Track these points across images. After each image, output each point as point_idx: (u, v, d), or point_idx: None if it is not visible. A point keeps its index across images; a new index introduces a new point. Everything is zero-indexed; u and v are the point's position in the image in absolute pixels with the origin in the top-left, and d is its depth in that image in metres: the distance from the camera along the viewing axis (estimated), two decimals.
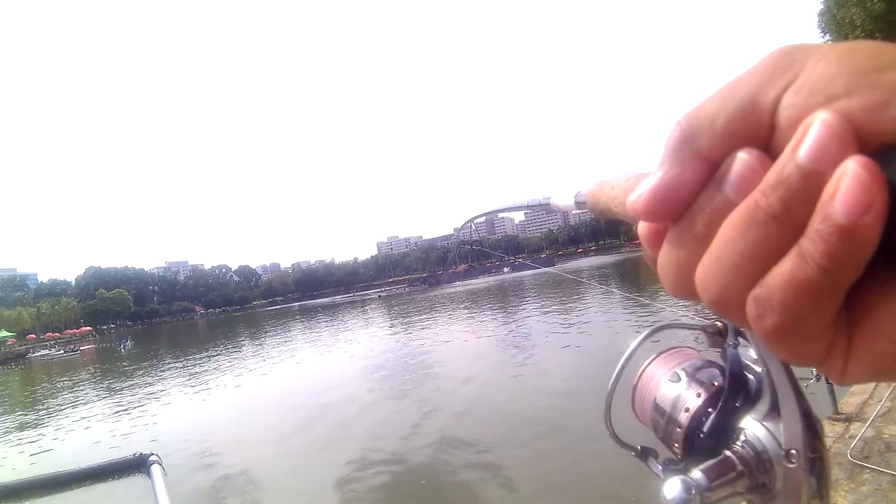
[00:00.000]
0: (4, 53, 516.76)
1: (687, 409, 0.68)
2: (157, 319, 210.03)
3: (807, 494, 0.53)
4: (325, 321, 58.79)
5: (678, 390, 0.71)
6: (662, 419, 0.71)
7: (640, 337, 0.79)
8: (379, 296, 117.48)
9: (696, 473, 0.57)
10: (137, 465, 3.62)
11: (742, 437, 0.59)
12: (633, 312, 23.41)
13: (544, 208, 0.79)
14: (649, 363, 0.78)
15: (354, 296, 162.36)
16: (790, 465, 0.54)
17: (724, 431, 0.62)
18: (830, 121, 0.28)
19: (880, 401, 6.22)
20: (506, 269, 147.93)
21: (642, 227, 0.41)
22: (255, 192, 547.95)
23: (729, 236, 0.32)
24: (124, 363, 44.68)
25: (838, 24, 43.08)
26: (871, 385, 6.71)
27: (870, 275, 0.29)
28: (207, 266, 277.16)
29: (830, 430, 5.74)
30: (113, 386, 28.90)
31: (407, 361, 21.18)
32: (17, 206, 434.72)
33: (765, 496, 0.57)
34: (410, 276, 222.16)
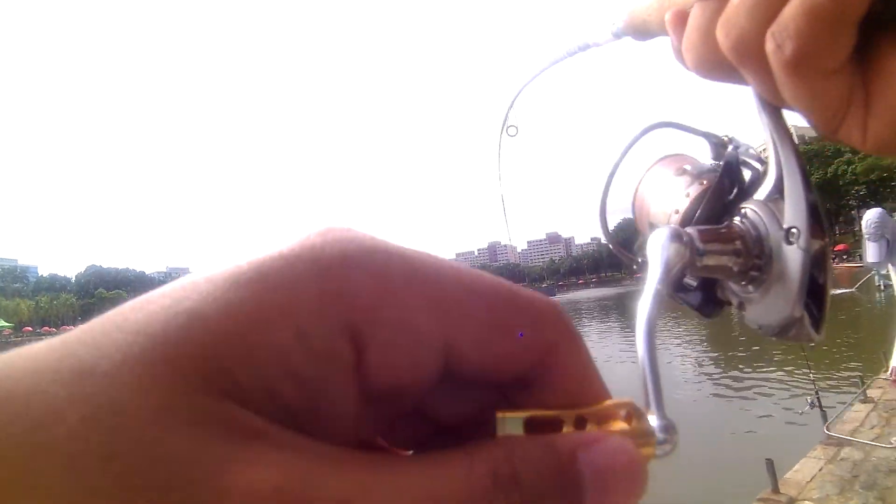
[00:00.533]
0: (14, 49, 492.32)
1: (688, 195, 0.64)
2: None
3: (801, 289, 0.49)
4: None
5: (681, 184, 0.66)
6: (666, 212, 0.67)
7: (639, 132, 0.73)
8: None
9: (691, 229, 0.52)
10: None
11: (744, 212, 0.56)
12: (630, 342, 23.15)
13: (584, 51, 0.75)
14: (652, 165, 0.74)
15: None
16: (789, 245, 0.50)
17: (725, 213, 0.59)
18: None
19: (872, 427, 6.46)
20: None
21: (669, 16, 0.46)
22: (264, 202, 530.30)
23: None
24: None
25: None
26: (863, 413, 6.95)
27: (882, 34, 0.32)
28: None
29: (823, 453, 5.97)
30: None
31: None
32: (21, 197, 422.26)
33: (757, 284, 0.54)
34: None
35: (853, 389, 8.01)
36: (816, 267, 0.49)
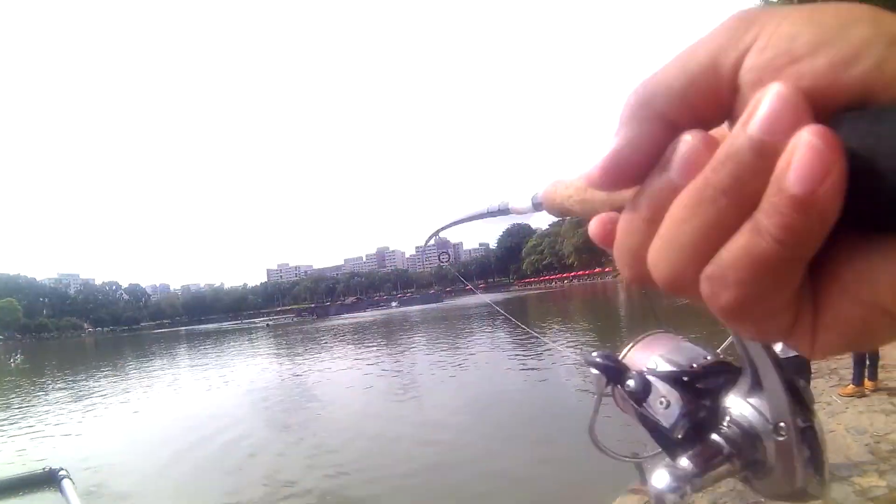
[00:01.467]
0: None
1: (662, 402, 0.65)
2: (46, 334, 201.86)
3: (801, 466, 0.52)
4: (211, 349, 57.11)
5: (655, 381, 0.67)
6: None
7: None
8: (267, 324, 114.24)
9: (683, 461, 0.55)
10: (47, 480, 3.45)
11: (728, 417, 0.57)
12: (521, 346, 23.39)
13: (503, 214, 0.80)
14: (627, 352, 0.75)
15: (242, 323, 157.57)
16: (780, 439, 0.52)
17: (709, 416, 0.60)
18: (783, 91, 0.27)
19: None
20: (393, 304, 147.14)
21: (593, 226, 0.41)
22: (148, 205, 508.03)
23: (679, 215, 0.31)
24: (13, 377, 42.46)
25: None
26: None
27: (832, 239, 0.28)
28: (98, 281, 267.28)
29: None
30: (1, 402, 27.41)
31: (289, 394, 20.84)
32: None
33: (760, 472, 0.56)
34: (299, 306, 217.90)
35: None
36: (809, 446, 0.53)
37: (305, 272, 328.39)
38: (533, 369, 17.72)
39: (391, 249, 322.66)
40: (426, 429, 12.42)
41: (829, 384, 8.49)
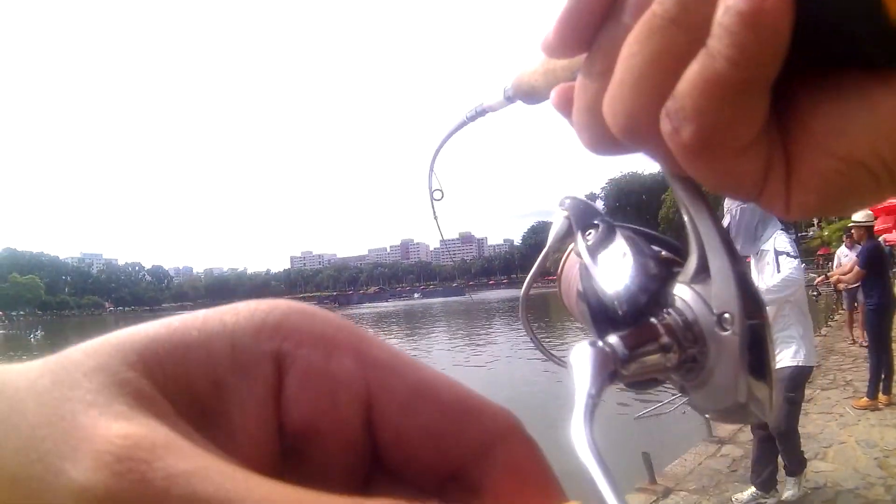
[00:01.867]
0: None
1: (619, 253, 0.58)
2: (67, 312, 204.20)
3: (745, 372, 0.46)
4: None
5: (620, 232, 0.60)
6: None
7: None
8: None
9: (612, 338, 0.49)
10: None
11: (670, 305, 0.51)
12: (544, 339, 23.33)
13: (481, 115, 0.78)
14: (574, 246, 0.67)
15: None
16: (723, 333, 0.47)
17: (652, 299, 0.54)
18: None
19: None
20: (416, 295, 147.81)
21: (553, 95, 0.41)
22: (175, 189, 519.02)
23: (629, 52, 0.30)
24: (35, 354, 42.97)
25: None
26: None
27: (800, 84, 0.28)
28: (121, 262, 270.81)
29: (704, 449, 6.28)
30: None
31: None
32: None
33: (697, 377, 0.51)
34: (321, 294, 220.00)
35: None
36: (755, 347, 0.46)
37: (329, 261, 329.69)
38: (553, 372, 17.69)
39: (416, 242, 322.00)
40: None
41: (844, 395, 8.37)
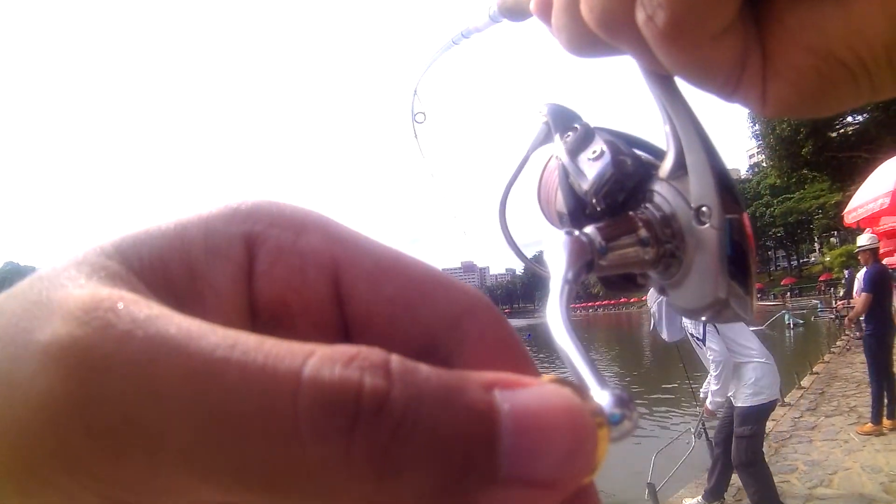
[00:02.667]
0: None
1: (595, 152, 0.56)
2: None
3: (723, 266, 0.46)
4: None
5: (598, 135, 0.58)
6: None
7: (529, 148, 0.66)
8: None
9: (589, 229, 0.49)
10: None
11: (647, 201, 0.51)
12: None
13: (466, 38, 0.76)
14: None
15: None
16: (701, 226, 0.46)
17: (629, 198, 0.53)
18: None
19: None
20: None
21: (534, 3, 0.42)
22: (179, 203, 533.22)
23: None
24: None
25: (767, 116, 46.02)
26: None
27: None
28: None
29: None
30: None
31: None
32: None
33: (675, 269, 0.50)
34: None
35: None
36: (736, 241, 0.45)
37: None
38: None
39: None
40: None
41: (848, 422, 8.34)
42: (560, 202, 0.59)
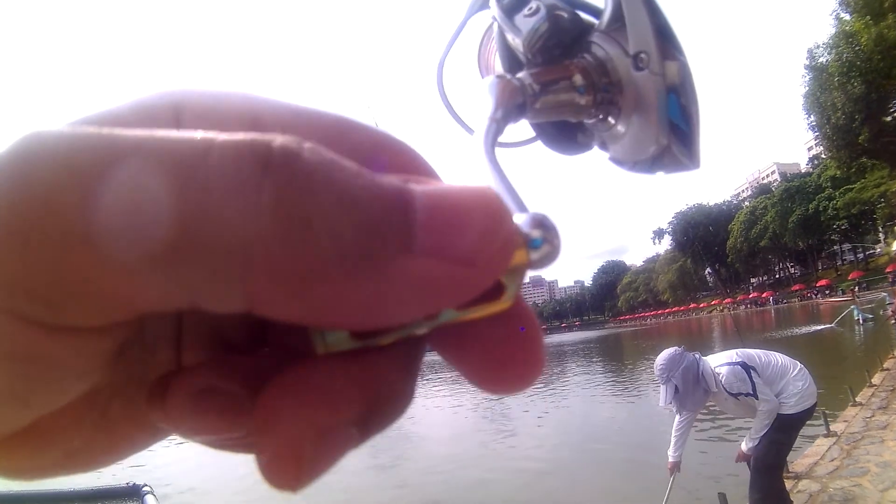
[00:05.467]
0: None
1: (531, 7, 0.54)
2: None
3: (664, 107, 0.45)
4: None
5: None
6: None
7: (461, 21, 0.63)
8: None
9: (522, 73, 0.47)
10: (130, 494, 3.54)
11: (584, 51, 0.49)
12: (619, 384, 22.36)
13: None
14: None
15: None
16: (639, 73, 0.45)
17: (565, 49, 0.51)
18: None
19: (832, 459, 6.59)
20: None
21: None
22: None
23: None
24: None
25: (821, 106, 44.25)
26: (824, 447, 7.05)
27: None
28: None
29: None
30: None
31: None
32: None
33: (614, 118, 0.49)
34: None
35: (817, 424, 7.95)
36: (676, 86, 0.45)
37: None
38: (631, 401, 17.07)
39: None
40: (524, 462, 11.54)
41: None
42: (499, 63, 0.58)
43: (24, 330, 0.19)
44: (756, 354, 4.95)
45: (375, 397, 0.22)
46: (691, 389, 4.78)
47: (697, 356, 4.93)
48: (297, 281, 0.18)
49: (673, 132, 0.45)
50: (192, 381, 0.23)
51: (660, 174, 0.49)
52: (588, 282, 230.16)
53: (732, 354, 4.94)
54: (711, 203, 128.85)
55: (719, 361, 4.90)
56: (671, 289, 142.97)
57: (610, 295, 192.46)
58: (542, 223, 0.22)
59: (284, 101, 0.25)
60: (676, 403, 4.85)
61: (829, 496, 5.58)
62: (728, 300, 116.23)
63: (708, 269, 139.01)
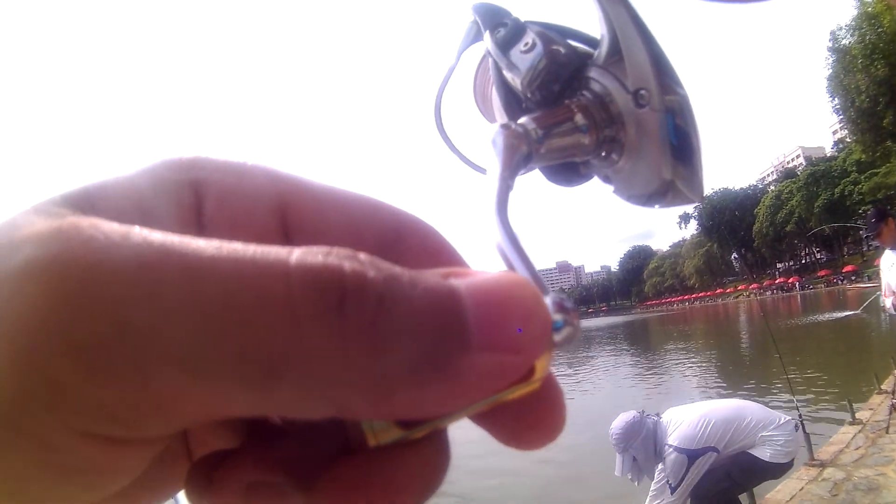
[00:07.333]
0: None
1: (527, 44, 0.52)
2: None
3: (666, 143, 0.44)
4: None
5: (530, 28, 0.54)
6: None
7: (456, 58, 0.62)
8: None
9: (524, 119, 0.46)
10: None
11: (584, 88, 0.48)
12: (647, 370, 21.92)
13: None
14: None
15: None
16: (640, 110, 0.44)
17: (565, 86, 0.50)
18: None
19: (857, 448, 6.56)
20: None
21: None
22: None
23: None
24: None
25: (845, 88, 44.07)
26: (850, 435, 6.99)
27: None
28: None
29: (806, 474, 5.96)
30: None
31: None
32: None
33: (617, 155, 0.48)
34: None
35: (843, 412, 7.98)
36: (678, 123, 0.45)
37: None
38: (660, 393, 16.78)
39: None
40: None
41: None
42: (496, 99, 0.57)
43: (90, 445, 0.19)
44: (726, 420, 4.54)
45: (427, 485, 0.23)
46: (653, 459, 4.55)
47: (657, 418, 4.68)
48: (380, 391, 0.19)
49: (675, 166, 0.45)
50: (239, 475, 0.23)
51: (660, 208, 0.50)
52: (614, 267, 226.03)
53: (701, 423, 4.49)
54: (737, 188, 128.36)
55: (681, 429, 4.51)
56: (698, 274, 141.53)
57: (636, 280, 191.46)
58: (562, 306, 0.22)
59: (304, 179, 0.27)
60: (635, 473, 4.61)
61: (853, 485, 5.52)
62: (755, 285, 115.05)
63: (734, 254, 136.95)
